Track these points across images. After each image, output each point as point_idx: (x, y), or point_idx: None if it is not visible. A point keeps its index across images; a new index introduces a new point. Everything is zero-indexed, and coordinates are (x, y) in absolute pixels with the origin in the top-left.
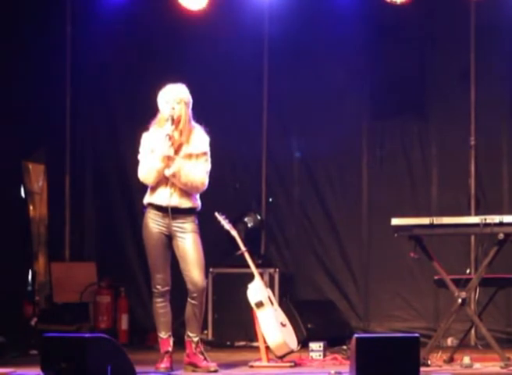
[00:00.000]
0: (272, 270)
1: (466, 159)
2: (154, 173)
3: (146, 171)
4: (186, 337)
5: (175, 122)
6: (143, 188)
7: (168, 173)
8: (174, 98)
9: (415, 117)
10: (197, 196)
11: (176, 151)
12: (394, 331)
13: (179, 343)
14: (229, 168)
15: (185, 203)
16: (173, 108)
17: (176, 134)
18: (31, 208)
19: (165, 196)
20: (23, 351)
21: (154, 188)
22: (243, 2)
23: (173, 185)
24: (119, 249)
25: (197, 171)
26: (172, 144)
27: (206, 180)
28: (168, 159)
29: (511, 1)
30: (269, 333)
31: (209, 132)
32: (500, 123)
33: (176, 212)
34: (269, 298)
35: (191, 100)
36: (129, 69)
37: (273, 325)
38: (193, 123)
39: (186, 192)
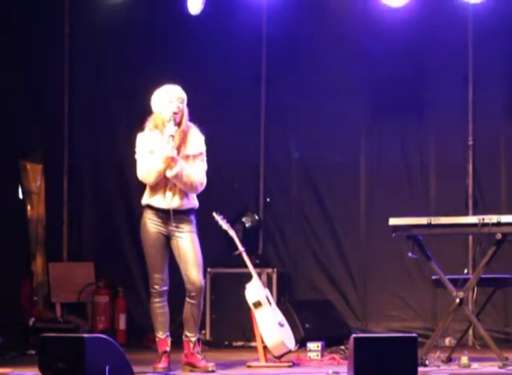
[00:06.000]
0: (269, 270)
1: (464, 159)
2: (155, 174)
3: (146, 172)
4: (184, 337)
5: (177, 122)
6: (141, 188)
7: (170, 174)
8: (177, 97)
9: (413, 117)
10: (195, 195)
11: (176, 152)
12: (392, 331)
13: (177, 343)
14: (227, 168)
15: (185, 204)
16: (178, 108)
17: (177, 135)
18: (29, 208)
19: (165, 199)
20: (20, 352)
21: (153, 189)
22: (241, 2)
23: (173, 187)
24: (117, 249)
25: (196, 171)
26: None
27: (204, 180)
28: (172, 160)
29: (509, 2)
30: (267, 333)
31: (205, 130)
32: (498, 124)
33: (175, 213)
34: (267, 297)
35: None
36: (128, 69)
37: (271, 325)
38: (189, 123)
39: (185, 193)
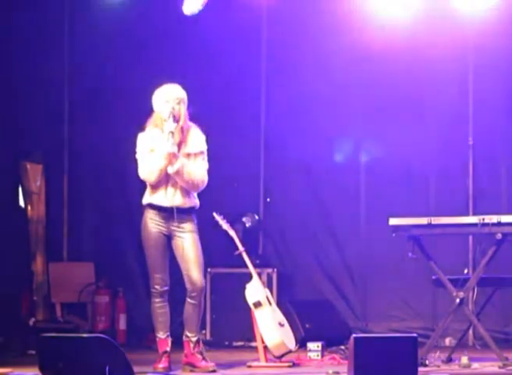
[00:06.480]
0: (269, 270)
1: (464, 159)
2: (157, 172)
3: (148, 170)
4: (184, 337)
5: (176, 120)
6: (141, 188)
7: (171, 170)
8: (174, 97)
9: (414, 117)
10: (196, 194)
11: (177, 149)
12: (392, 331)
13: (178, 343)
14: (228, 168)
15: (187, 203)
16: (173, 108)
17: (176, 132)
18: (29, 208)
19: (167, 197)
20: (20, 352)
21: (154, 188)
22: (241, 2)
23: (174, 185)
24: (117, 249)
25: (197, 169)
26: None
27: (206, 178)
28: (173, 157)
29: (510, 4)
30: (267, 333)
31: (206, 131)
32: (498, 124)
33: (177, 212)
34: (267, 297)
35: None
36: (128, 69)
37: (271, 325)
38: (189, 123)
39: (187, 191)
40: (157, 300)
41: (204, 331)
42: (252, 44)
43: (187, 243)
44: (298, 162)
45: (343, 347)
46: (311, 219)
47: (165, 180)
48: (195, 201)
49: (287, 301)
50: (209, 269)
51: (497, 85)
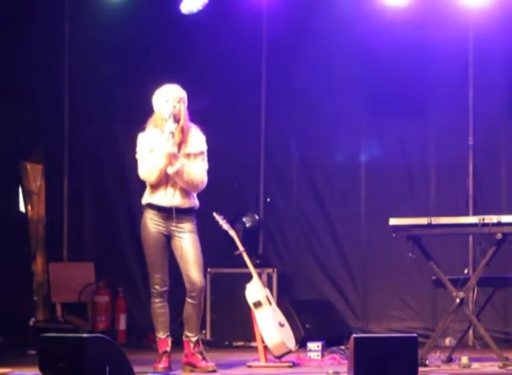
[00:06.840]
0: (270, 270)
1: (464, 159)
2: (156, 172)
3: (148, 170)
4: (184, 337)
5: (176, 120)
6: (141, 188)
7: (171, 170)
8: (174, 97)
9: (413, 117)
10: (195, 195)
11: (177, 149)
12: (392, 331)
13: (178, 343)
14: (228, 168)
15: (187, 203)
16: (174, 107)
17: (177, 133)
18: (29, 208)
19: (166, 197)
20: (21, 352)
21: (154, 189)
22: (241, 2)
23: (174, 185)
24: (117, 249)
25: (197, 169)
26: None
27: (205, 179)
28: (173, 157)
29: (510, 3)
30: (267, 333)
31: (205, 131)
32: (498, 123)
33: (177, 212)
34: (267, 297)
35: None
36: (128, 70)
37: (271, 325)
38: (189, 123)
39: (186, 192)
40: (157, 300)
41: (204, 331)
42: (252, 44)
43: (186, 243)
44: (298, 162)
45: (343, 347)
46: (311, 219)
47: (164, 180)
48: (195, 202)
49: (287, 301)
50: (209, 269)
51: (497, 85)
